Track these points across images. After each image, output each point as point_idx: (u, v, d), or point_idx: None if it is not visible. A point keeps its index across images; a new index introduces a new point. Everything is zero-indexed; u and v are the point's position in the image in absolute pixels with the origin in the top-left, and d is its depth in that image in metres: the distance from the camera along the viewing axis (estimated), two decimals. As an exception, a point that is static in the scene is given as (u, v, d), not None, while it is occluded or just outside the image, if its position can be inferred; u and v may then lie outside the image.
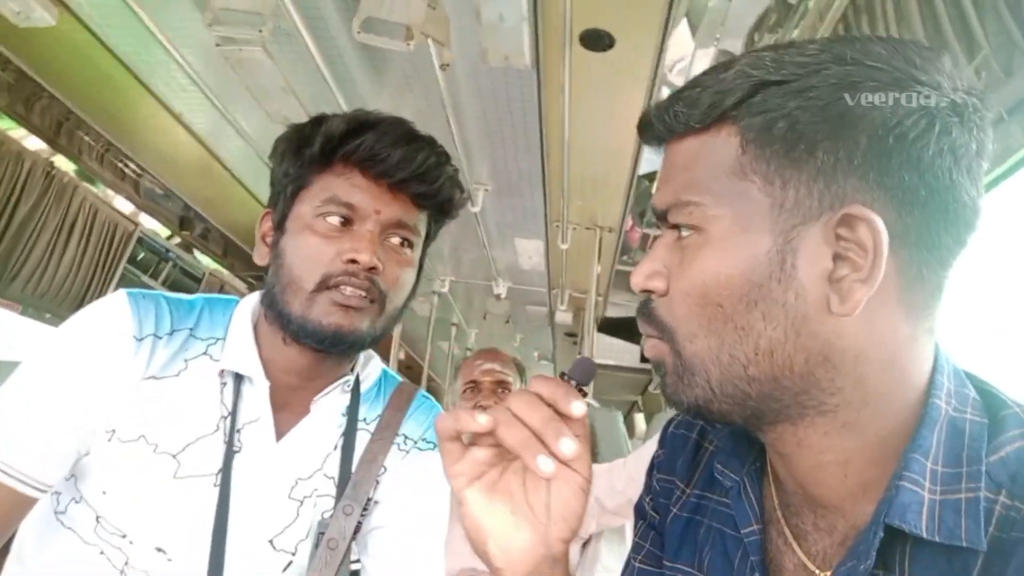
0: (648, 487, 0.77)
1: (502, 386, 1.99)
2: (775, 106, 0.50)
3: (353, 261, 0.89)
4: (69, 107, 2.88)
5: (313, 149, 0.93)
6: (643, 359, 4.80)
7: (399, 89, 2.51)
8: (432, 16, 1.92)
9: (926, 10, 1.37)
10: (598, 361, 4.59)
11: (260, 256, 0.98)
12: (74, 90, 2.81)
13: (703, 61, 2.27)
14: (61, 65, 2.63)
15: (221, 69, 2.44)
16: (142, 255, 4.09)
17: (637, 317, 0.59)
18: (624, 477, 1.87)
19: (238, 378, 0.93)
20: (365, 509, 0.97)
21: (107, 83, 2.66)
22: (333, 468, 0.97)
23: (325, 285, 0.89)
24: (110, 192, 3.54)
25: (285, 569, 0.92)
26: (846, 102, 0.49)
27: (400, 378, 1.13)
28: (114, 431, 0.87)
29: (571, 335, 5.44)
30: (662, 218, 0.57)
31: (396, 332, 4.30)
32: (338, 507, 0.94)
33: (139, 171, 3.40)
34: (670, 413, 0.80)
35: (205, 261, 4.53)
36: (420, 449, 1.05)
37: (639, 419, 6.47)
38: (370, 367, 1.08)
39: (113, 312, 0.91)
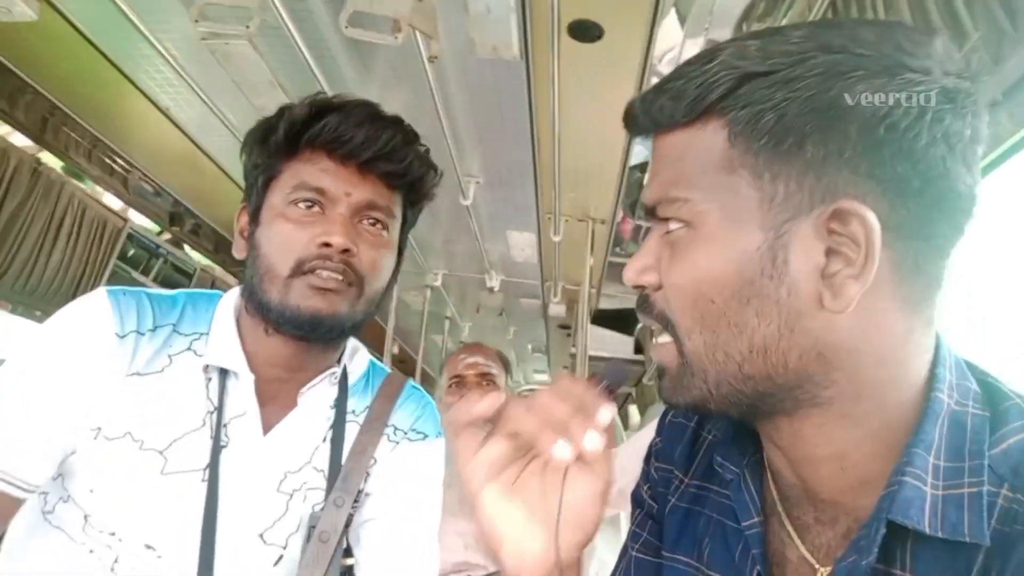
0: (646, 475, 0.76)
1: (486, 379, 1.99)
2: (762, 98, 0.49)
3: (326, 244, 0.89)
4: (54, 102, 2.85)
5: (278, 136, 0.93)
6: (637, 350, 4.80)
7: (387, 82, 2.49)
8: (419, 8, 1.90)
9: (914, -3, 1.36)
10: (591, 353, 4.60)
11: (238, 250, 0.98)
12: (59, 85, 2.78)
13: (692, 51, 2.25)
14: (44, 60, 2.59)
15: (207, 63, 2.42)
16: (133, 252, 4.06)
17: (637, 311, 0.59)
18: (617, 468, 1.86)
19: (223, 373, 0.93)
20: (356, 501, 0.97)
21: (92, 78, 2.63)
22: (323, 461, 0.97)
23: (300, 270, 0.89)
24: (98, 188, 3.51)
25: (276, 563, 0.91)
26: (834, 92, 0.48)
27: (389, 369, 1.13)
28: (99, 429, 0.86)
29: (565, 327, 5.44)
30: (652, 212, 0.57)
31: (389, 326, 4.29)
32: (329, 500, 0.94)
33: (127, 167, 3.37)
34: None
35: (196, 257, 4.50)
36: (410, 440, 1.05)
37: (633, 411, 6.48)
38: (357, 358, 1.07)
39: (94, 310, 0.90)
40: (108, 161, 3.28)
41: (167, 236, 4.17)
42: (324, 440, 0.98)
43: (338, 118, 0.92)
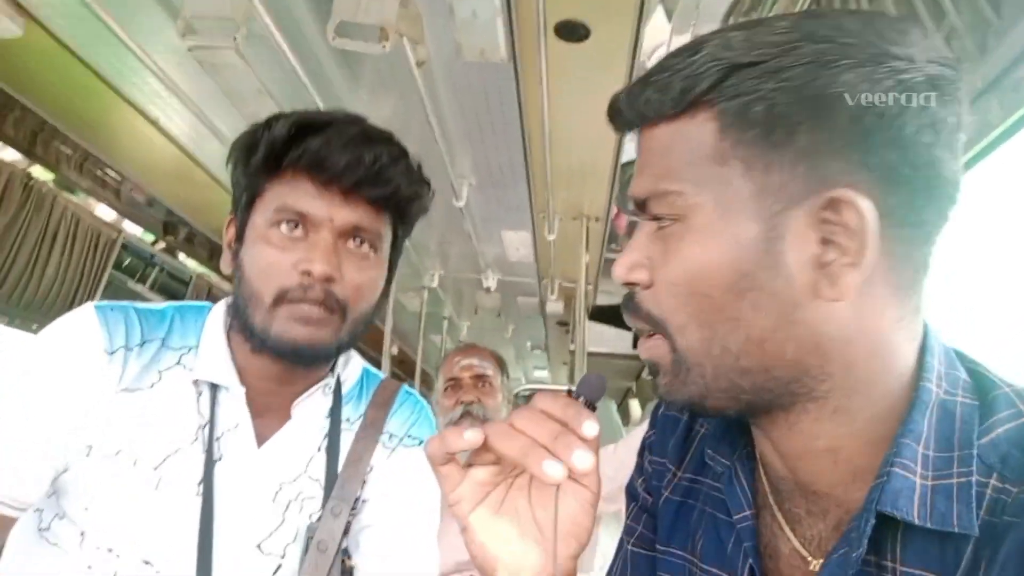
0: (640, 468, 0.76)
1: (482, 380, 1.99)
2: (750, 88, 0.49)
3: (308, 273, 0.87)
4: (43, 117, 2.85)
5: (258, 156, 0.90)
6: (635, 345, 4.81)
7: (376, 88, 2.49)
8: (405, 14, 1.90)
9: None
10: (591, 349, 4.61)
11: (225, 264, 0.97)
12: (47, 100, 2.78)
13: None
14: (31, 75, 2.60)
15: (195, 74, 2.41)
16: (128, 261, 4.07)
17: (623, 311, 0.58)
18: (615, 463, 1.88)
19: (214, 386, 0.92)
20: (354, 509, 0.96)
21: (80, 92, 2.63)
22: (318, 470, 0.96)
23: (283, 299, 0.88)
24: (91, 200, 3.51)
25: (275, 573, 0.91)
26: (823, 81, 0.47)
27: (382, 375, 1.12)
28: (91, 447, 0.86)
29: (563, 324, 5.44)
30: (641, 207, 0.56)
31: (387, 327, 4.29)
32: (326, 509, 0.94)
33: (119, 178, 3.38)
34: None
35: (192, 264, 4.51)
36: (406, 445, 1.04)
37: (634, 405, 6.50)
38: (351, 367, 1.07)
39: (81, 327, 0.89)
40: (100, 173, 3.29)
41: (162, 245, 4.18)
42: (319, 450, 0.98)
43: (319, 140, 0.88)
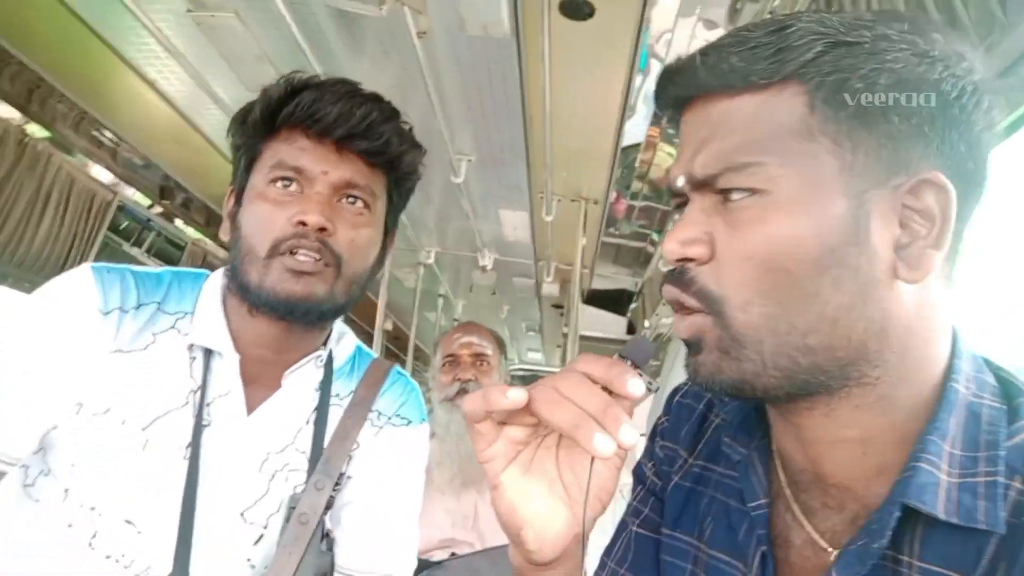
0: (650, 452, 0.76)
1: (480, 359, 1.99)
2: (849, 66, 0.50)
3: (302, 223, 0.88)
4: (40, 74, 2.82)
5: (255, 116, 0.92)
6: (629, 331, 4.81)
7: (377, 58, 2.45)
8: (406, -18, 1.87)
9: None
10: (585, 333, 4.61)
11: (224, 232, 0.97)
12: (44, 57, 2.75)
13: (685, 30, 2.23)
14: (28, 30, 2.56)
15: (194, 36, 2.38)
16: (125, 224, 4.05)
17: (670, 287, 0.56)
18: None
19: (207, 352, 0.93)
20: (338, 484, 0.97)
21: (78, 50, 2.60)
22: (305, 443, 0.97)
23: (277, 251, 0.89)
24: (88, 162, 3.49)
25: (256, 543, 0.92)
26: (922, 68, 0.49)
27: (375, 354, 1.13)
28: (81, 404, 0.86)
29: (558, 307, 5.45)
30: (700, 184, 0.54)
31: (381, 301, 4.29)
32: (310, 482, 0.94)
33: (116, 140, 3.34)
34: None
35: (189, 230, 4.49)
36: (394, 425, 1.05)
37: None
38: (344, 343, 1.07)
39: (77, 286, 0.90)
40: (96, 134, 3.26)
41: (158, 210, 4.15)
42: (308, 422, 0.98)
43: (312, 95, 0.90)
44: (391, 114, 0.96)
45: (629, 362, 0.54)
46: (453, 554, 1.79)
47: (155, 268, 0.99)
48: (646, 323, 4.42)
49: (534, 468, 0.58)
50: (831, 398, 0.54)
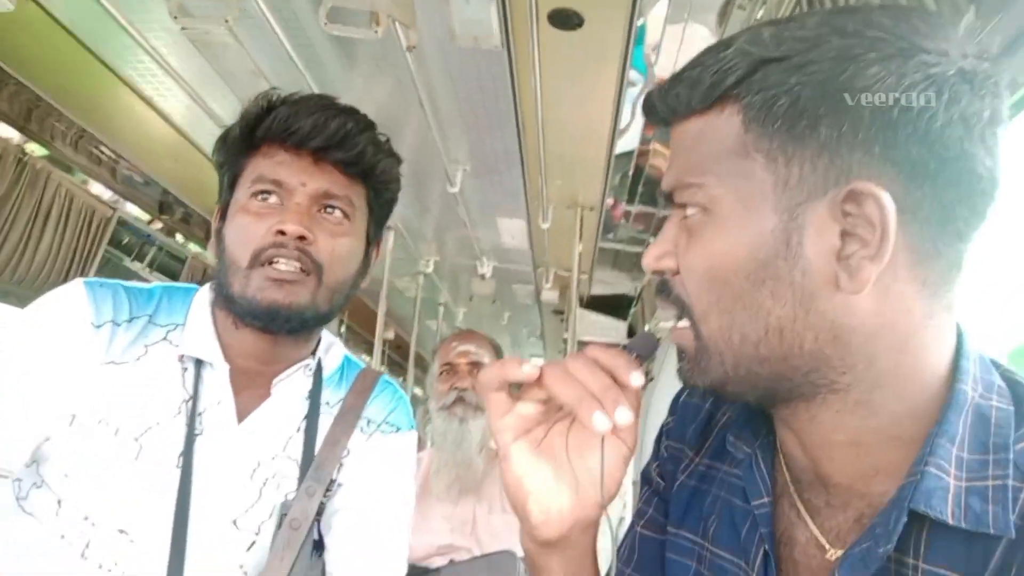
0: (656, 454, 0.77)
1: (477, 368, 2.01)
2: (775, 83, 0.50)
3: (281, 232, 0.90)
4: (38, 94, 2.84)
5: (235, 133, 0.96)
6: (630, 335, 4.82)
7: (370, 72, 2.48)
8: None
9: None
10: (586, 338, 4.61)
11: (212, 248, 1.00)
12: (41, 76, 2.77)
13: (674, 36, 2.25)
14: (25, 51, 2.58)
15: (189, 53, 2.41)
16: (127, 239, 4.08)
17: (656, 296, 0.60)
18: None
19: (198, 363, 0.95)
20: (328, 490, 0.99)
21: (74, 69, 2.62)
22: (296, 450, 0.98)
23: (258, 260, 0.91)
24: (87, 178, 3.51)
25: (248, 549, 0.93)
26: (847, 75, 0.48)
27: (363, 364, 1.14)
28: (75, 415, 0.88)
29: (559, 312, 5.45)
30: (669, 199, 0.57)
31: (381, 311, 4.30)
32: (301, 488, 0.96)
33: (114, 157, 3.37)
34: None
35: (189, 244, 4.51)
36: (383, 432, 1.06)
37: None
38: (332, 352, 1.09)
39: (70, 300, 0.92)
40: (95, 151, 3.28)
41: (158, 225, 4.18)
42: (298, 430, 1.00)
43: (288, 110, 0.94)
44: (366, 125, 0.99)
45: (635, 355, 0.58)
46: (451, 560, 1.80)
47: (146, 284, 1.02)
48: (646, 327, 4.41)
49: (544, 448, 0.61)
50: (810, 404, 0.54)
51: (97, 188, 3.62)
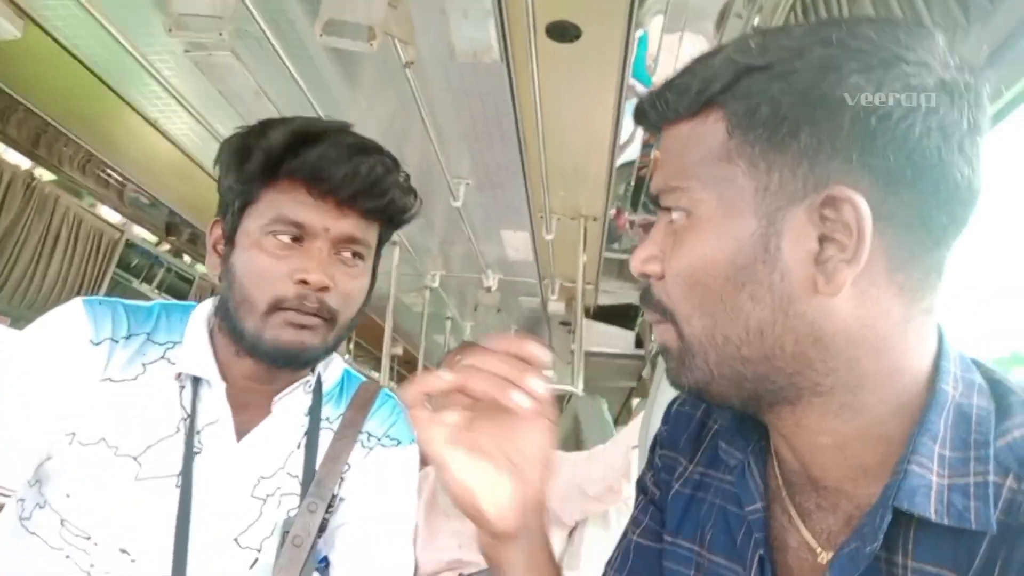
0: (650, 463, 0.78)
1: None
2: (758, 90, 0.51)
3: (304, 282, 0.89)
4: (46, 119, 2.88)
5: (252, 165, 0.91)
6: (638, 345, 4.80)
7: (371, 90, 2.50)
8: (394, 15, 1.91)
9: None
10: (593, 349, 4.60)
11: (211, 266, 0.99)
12: (49, 102, 2.81)
13: (671, 46, 2.26)
14: (32, 77, 2.62)
15: (193, 75, 2.44)
16: (135, 261, 4.12)
17: (640, 302, 0.61)
18: (603, 465, 1.89)
19: (196, 380, 0.95)
20: (330, 506, 0.99)
21: (81, 93, 2.66)
22: (297, 466, 0.98)
23: (278, 306, 0.90)
24: (95, 201, 3.55)
25: (251, 566, 0.93)
26: (828, 84, 0.49)
27: (363, 378, 1.14)
28: (74, 434, 0.88)
29: (565, 324, 5.45)
30: (655, 202, 0.59)
31: (388, 327, 4.31)
32: (302, 505, 0.96)
33: (122, 180, 3.41)
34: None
35: (197, 265, 4.54)
36: (384, 446, 1.06)
37: (636, 404, 6.48)
38: (332, 367, 1.09)
39: (68, 318, 0.92)
40: (102, 175, 3.32)
41: (165, 246, 4.22)
42: (298, 446, 1.00)
43: (317, 152, 0.90)
44: (393, 167, 0.97)
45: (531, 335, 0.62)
46: (461, 575, 1.80)
47: (145, 302, 1.02)
48: (652, 336, 4.41)
49: (476, 448, 0.63)
50: (795, 407, 0.55)
51: (105, 211, 3.66)
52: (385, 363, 4.01)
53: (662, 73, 2.34)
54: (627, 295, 4.79)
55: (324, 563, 1.00)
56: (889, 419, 0.54)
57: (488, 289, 4.50)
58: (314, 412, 1.02)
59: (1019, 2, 1.10)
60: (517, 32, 2.12)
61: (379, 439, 1.06)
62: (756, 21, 1.96)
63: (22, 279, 3.11)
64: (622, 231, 4.12)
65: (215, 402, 0.95)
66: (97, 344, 0.91)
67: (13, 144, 2.91)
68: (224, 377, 0.96)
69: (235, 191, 0.94)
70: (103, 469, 0.88)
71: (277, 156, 0.90)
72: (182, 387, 0.94)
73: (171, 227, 3.94)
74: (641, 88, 2.44)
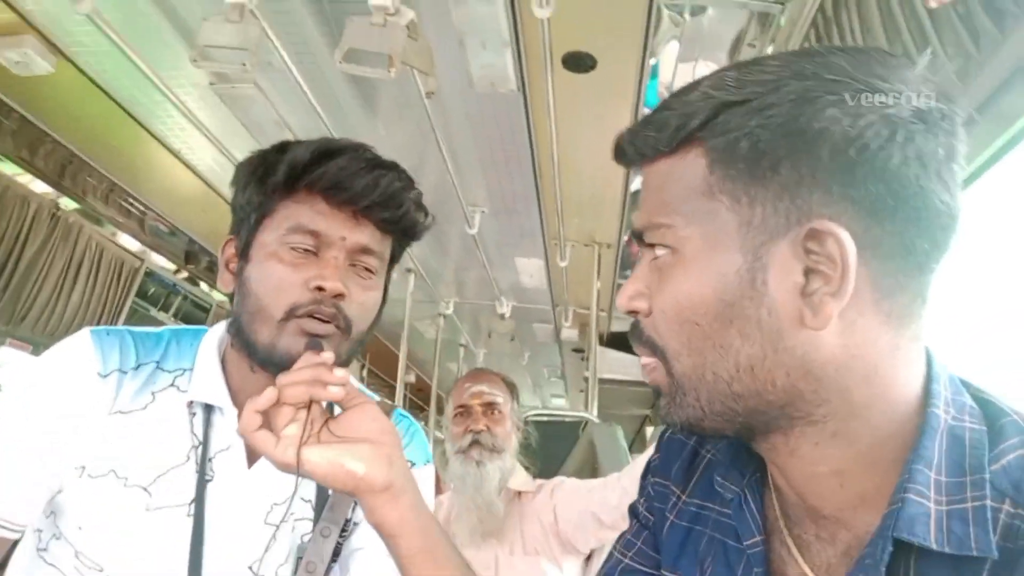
0: (642, 489, 0.78)
1: (491, 408, 1.97)
2: (737, 126, 0.51)
3: (320, 288, 0.89)
4: (72, 150, 2.95)
5: (277, 178, 0.92)
6: (650, 371, 4.79)
7: (390, 119, 2.56)
8: (414, 47, 1.96)
9: (887, 21, 1.40)
10: (606, 376, 4.59)
11: (224, 283, 0.98)
12: (76, 133, 2.89)
13: (685, 75, 2.30)
14: (62, 110, 2.70)
15: (216, 107, 2.51)
16: (152, 290, 4.16)
17: (630, 338, 0.61)
18: (619, 491, 1.87)
19: (207, 407, 0.94)
20: (344, 531, 0.98)
21: (107, 125, 2.73)
22: (310, 491, 0.98)
23: (293, 314, 0.89)
24: (116, 230, 3.61)
25: None
26: (805, 117, 0.49)
27: (378, 397, 1.14)
28: (84, 468, 0.88)
29: (579, 351, 5.44)
30: (640, 239, 0.59)
31: (402, 354, 4.33)
32: (316, 530, 0.95)
33: (143, 209, 3.47)
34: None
35: (215, 294, 4.59)
36: None
37: (652, 433, 6.43)
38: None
39: (76, 351, 0.92)
40: (124, 204, 3.38)
41: (184, 274, 4.27)
42: None
43: (339, 164, 0.91)
44: (409, 182, 0.98)
45: (315, 348, 0.81)
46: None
47: (155, 328, 1.01)
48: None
49: (323, 441, 0.73)
50: (788, 438, 0.55)
51: (125, 240, 3.72)
52: (400, 391, 4.01)
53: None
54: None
55: None
56: (883, 445, 0.53)
57: (502, 316, 4.52)
58: None
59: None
60: (534, 62, 2.17)
61: None
62: (770, 50, 2.00)
63: (45, 307, 3.16)
64: (636, 258, 4.13)
65: (227, 429, 0.94)
66: (105, 377, 0.91)
67: (40, 175, 2.98)
68: (236, 403, 0.96)
69: (252, 204, 0.94)
70: (113, 501, 0.87)
71: (301, 169, 0.92)
72: (193, 414, 0.93)
73: (190, 255, 3.99)
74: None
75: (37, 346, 3.29)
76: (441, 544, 0.77)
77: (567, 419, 3.42)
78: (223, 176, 3.04)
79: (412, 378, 5.89)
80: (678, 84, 2.43)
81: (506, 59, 2.08)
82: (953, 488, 0.50)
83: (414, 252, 3.64)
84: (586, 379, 4.68)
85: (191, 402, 0.94)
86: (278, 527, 0.94)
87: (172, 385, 0.95)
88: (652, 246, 0.57)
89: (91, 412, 0.89)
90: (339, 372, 0.74)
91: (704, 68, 2.27)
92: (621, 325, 4.82)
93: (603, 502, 1.85)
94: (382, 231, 0.97)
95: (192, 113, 2.52)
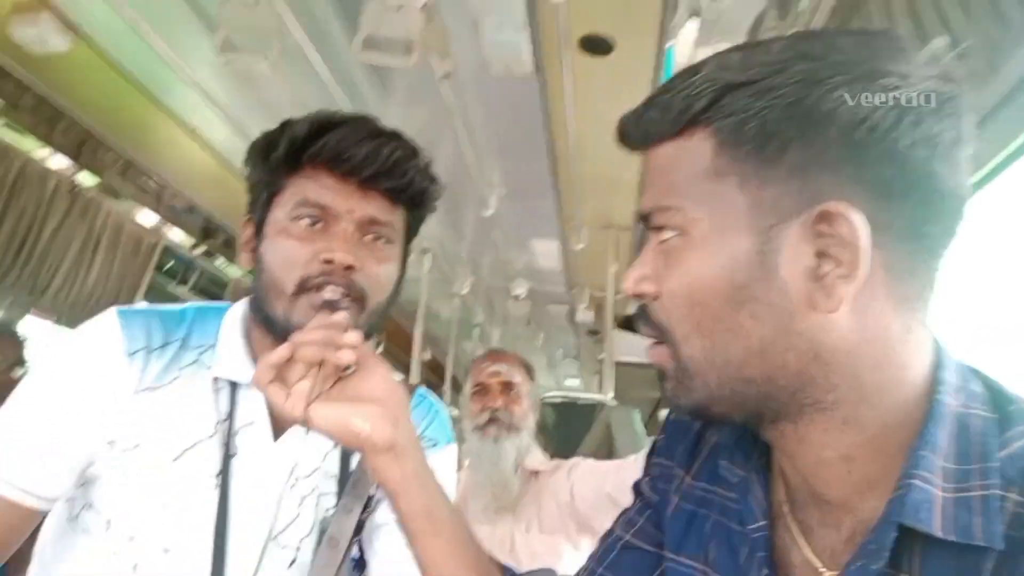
0: (647, 469, 0.77)
1: (509, 387, 2.00)
2: (743, 107, 0.50)
3: (329, 261, 0.90)
4: (89, 128, 2.97)
5: (278, 153, 0.93)
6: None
7: (407, 100, 2.54)
8: (430, 28, 1.94)
9: (912, 8, 1.36)
10: (622, 359, 4.60)
11: (244, 261, 1.00)
12: (93, 111, 2.90)
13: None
14: (78, 87, 2.71)
15: (232, 85, 2.50)
16: (171, 264, 4.21)
17: (636, 321, 0.60)
18: (634, 474, 1.87)
19: (233, 383, 0.96)
20: (368, 507, 0.99)
21: (123, 103, 2.74)
22: (334, 466, 0.99)
23: (304, 288, 0.90)
24: (134, 206, 3.64)
25: (289, 566, 0.94)
26: (813, 98, 0.49)
27: (400, 378, 1.15)
28: (113, 442, 0.90)
29: (594, 333, 5.44)
30: (646, 222, 0.58)
31: (418, 333, 4.35)
32: (339, 505, 0.97)
33: (160, 185, 3.49)
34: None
35: (231, 269, 4.63)
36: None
37: (665, 417, 6.43)
38: None
39: (103, 332, 0.94)
40: (142, 181, 3.41)
41: (202, 249, 4.30)
42: (335, 446, 1.01)
43: (338, 135, 0.92)
44: (413, 152, 0.98)
45: (331, 308, 0.83)
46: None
47: (179, 306, 1.03)
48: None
49: (330, 398, 0.73)
50: (796, 425, 0.55)
51: (143, 216, 3.75)
52: (415, 369, 4.04)
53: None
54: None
55: (353, 563, 1.01)
56: (892, 432, 0.53)
57: (517, 297, 4.52)
58: None
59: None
60: (550, 45, 2.14)
61: None
62: (791, 31, 1.95)
63: (66, 279, 3.20)
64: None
65: (252, 404, 0.96)
66: (132, 355, 0.93)
67: (59, 150, 3.00)
68: None
69: (263, 183, 0.96)
70: (142, 473, 0.90)
71: (300, 143, 0.92)
72: (218, 389, 0.95)
73: (207, 231, 4.02)
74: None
75: (60, 317, 3.33)
76: (441, 505, 0.77)
77: (583, 401, 3.43)
78: (239, 154, 3.02)
79: (427, 357, 5.93)
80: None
81: (522, 42, 2.05)
82: (960, 475, 0.50)
83: (430, 232, 3.64)
84: (600, 361, 4.68)
85: (216, 378, 0.95)
86: (302, 501, 0.96)
87: (197, 361, 0.97)
88: (659, 229, 0.56)
89: (119, 391, 0.91)
90: (352, 335, 0.73)
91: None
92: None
93: (620, 484, 1.85)
94: (391, 201, 0.97)
95: (208, 91, 2.52)
